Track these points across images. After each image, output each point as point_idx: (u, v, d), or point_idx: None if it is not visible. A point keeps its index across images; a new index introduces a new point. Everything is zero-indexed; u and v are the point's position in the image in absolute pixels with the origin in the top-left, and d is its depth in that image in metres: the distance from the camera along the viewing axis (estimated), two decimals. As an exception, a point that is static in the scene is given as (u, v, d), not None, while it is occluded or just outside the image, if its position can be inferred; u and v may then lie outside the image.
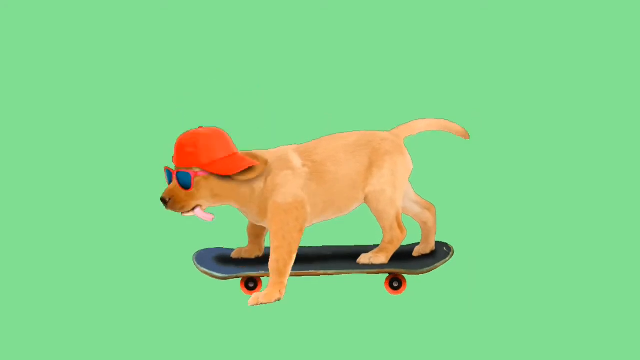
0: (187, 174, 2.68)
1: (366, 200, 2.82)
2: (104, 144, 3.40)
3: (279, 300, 2.73)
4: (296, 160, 2.77)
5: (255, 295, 2.72)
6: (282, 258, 2.73)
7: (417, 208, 2.93)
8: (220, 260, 2.88)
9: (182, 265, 2.98)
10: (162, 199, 2.70)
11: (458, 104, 3.43)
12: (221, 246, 3.01)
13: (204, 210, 2.72)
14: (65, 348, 2.53)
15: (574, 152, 3.41)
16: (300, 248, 2.99)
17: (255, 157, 2.74)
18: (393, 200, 2.82)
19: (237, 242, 2.97)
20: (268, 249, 2.95)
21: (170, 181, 2.72)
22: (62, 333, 2.61)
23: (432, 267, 2.82)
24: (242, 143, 2.84)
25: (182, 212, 2.71)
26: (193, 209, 2.71)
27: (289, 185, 2.74)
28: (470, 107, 3.43)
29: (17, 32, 3.45)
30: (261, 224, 2.81)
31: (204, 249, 2.97)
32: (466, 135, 2.92)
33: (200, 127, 2.74)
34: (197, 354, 2.51)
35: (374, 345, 2.55)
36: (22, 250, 3.14)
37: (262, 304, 2.73)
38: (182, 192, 2.70)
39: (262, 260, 2.89)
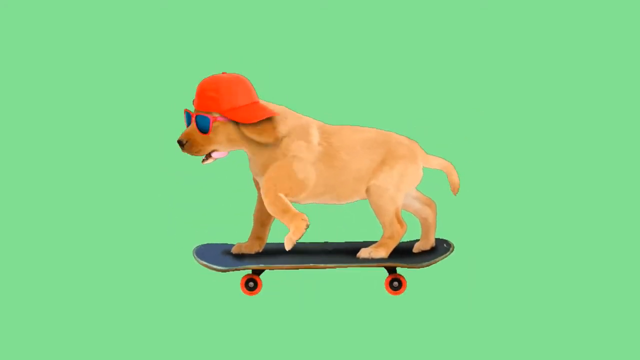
0: (207, 118, 2.68)
1: (367, 192, 2.82)
2: (105, 139, 3.40)
3: (308, 226, 2.68)
4: (315, 136, 2.78)
5: (287, 237, 2.69)
6: (275, 200, 2.70)
7: (417, 204, 2.93)
8: (220, 255, 2.88)
9: (182, 261, 2.98)
10: (179, 142, 2.70)
11: (459, 102, 3.44)
12: (221, 242, 3.01)
13: (220, 152, 2.74)
14: (65, 342, 2.53)
15: (573, 150, 3.41)
16: (302, 244, 2.98)
17: (279, 114, 2.72)
18: (394, 199, 2.82)
19: (238, 238, 2.97)
20: (268, 244, 2.95)
21: (188, 124, 2.72)
22: (63, 326, 2.61)
23: (432, 261, 2.82)
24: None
25: (201, 158, 2.72)
26: (209, 155, 2.72)
27: (307, 163, 2.73)
28: (471, 104, 3.44)
29: (17, 32, 3.47)
30: (258, 177, 2.80)
31: (204, 244, 2.97)
32: (455, 191, 2.92)
33: (223, 72, 2.74)
34: (198, 347, 2.51)
35: (373, 339, 2.55)
36: (24, 242, 3.14)
37: (297, 240, 2.69)
38: (200, 135, 2.70)
39: (262, 255, 2.89)
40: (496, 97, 3.45)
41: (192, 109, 2.74)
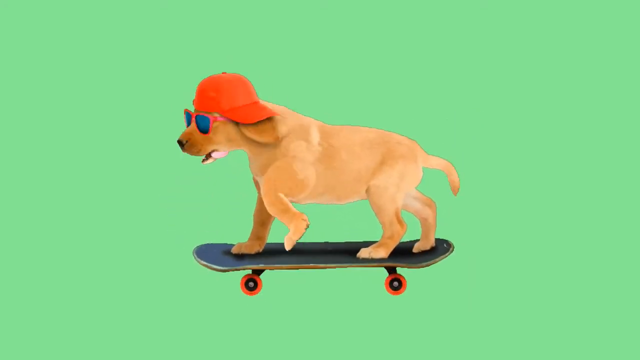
0: (207, 118, 2.68)
1: (368, 192, 2.82)
2: (105, 139, 3.40)
3: (308, 226, 2.69)
4: (315, 136, 2.78)
5: (287, 237, 2.69)
6: (274, 200, 2.70)
7: (417, 204, 2.93)
8: (220, 255, 2.88)
9: (182, 261, 2.98)
10: (179, 142, 2.70)
11: (460, 102, 3.44)
12: (221, 242, 3.01)
13: (220, 152, 2.74)
14: (65, 342, 2.53)
15: (573, 149, 3.41)
16: (302, 244, 2.98)
17: (279, 113, 2.73)
18: (394, 199, 2.82)
19: (238, 238, 2.97)
20: (268, 244, 2.95)
21: (188, 124, 2.72)
22: (62, 326, 2.61)
23: (432, 261, 2.82)
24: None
25: (201, 158, 2.72)
26: (209, 155, 2.72)
27: (307, 163, 2.73)
28: (470, 104, 3.44)
29: (17, 32, 3.47)
30: (258, 177, 2.80)
31: (204, 244, 2.97)
32: (455, 191, 2.93)
33: (223, 72, 2.74)
34: (198, 347, 2.51)
35: (373, 339, 2.55)
36: (24, 242, 3.14)
37: (297, 240, 2.70)
38: (200, 135, 2.70)
39: (263, 255, 2.89)
40: (496, 97, 3.45)
41: (192, 108, 2.74)
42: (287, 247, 2.70)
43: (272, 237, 2.91)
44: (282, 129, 2.74)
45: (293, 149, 2.74)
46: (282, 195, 2.72)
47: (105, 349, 2.49)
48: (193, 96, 2.75)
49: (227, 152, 2.77)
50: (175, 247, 3.07)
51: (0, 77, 3.44)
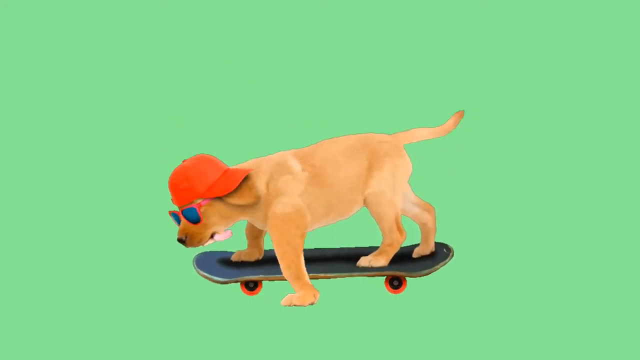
0: (192, 208, 2.69)
1: (366, 202, 2.82)
2: (105, 146, 3.39)
3: (312, 304, 2.72)
4: (295, 165, 2.77)
5: (290, 297, 2.72)
6: (292, 263, 2.73)
7: (416, 209, 2.93)
8: (220, 264, 2.88)
9: (182, 269, 2.98)
10: (180, 240, 2.71)
11: (457, 105, 3.41)
12: (221, 249, 3.01)
13: (221, 233, 2.74)
14: (65, 348, 2.53)
15: (573, 152, 3.40)
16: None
17: (249, 167, 2.74)
18: (393, 203, 2.82)
19: (237, 246, 2.97)
20: (268, 251, 2.95)
21: (179, 222, 2.73)
22: (61, 336, 2.61)
23: (432, 269, 2.83)
24: (239, 146, 2.85)
25: (202, 244, 2.73)
26: (211, 237, 2.73)
27: (288, 195, 2.74)
28: (469, 107, 3.42)
29: (17, 32, 3.45)
30: (265, 229, 2.82)
31: (204, 252, 2.97)
32: (460, 115, 2.91)
33: (183, 161, 2.74)
34: (197, 347, 2.52)
35: (373, 345, 2.55)
36: (22, 255, 3.14)
37: (295, 305, 2.72)
38: (194, 226, 2.71)
39: (262, 263, 2.89)
40: (496, 100, 3.44)
41: (174, 208, 2.74)
42: (283, 304, 2.72)
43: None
44: (261, 180, 2.74)
45: (280, 188, 2.74)
46: (299, 262, 2.73)
47: (105, 349, 2.50)
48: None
49: (230, 232, 2.76)
50: (175, 246, 3.07)
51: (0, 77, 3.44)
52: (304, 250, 2.99)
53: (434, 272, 2.86)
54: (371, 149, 2.82)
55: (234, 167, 2.77)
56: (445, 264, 2.86)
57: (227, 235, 2.75)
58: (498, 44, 3.46)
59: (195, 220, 2.69)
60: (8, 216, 3.27)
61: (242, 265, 2.89)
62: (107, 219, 3.28)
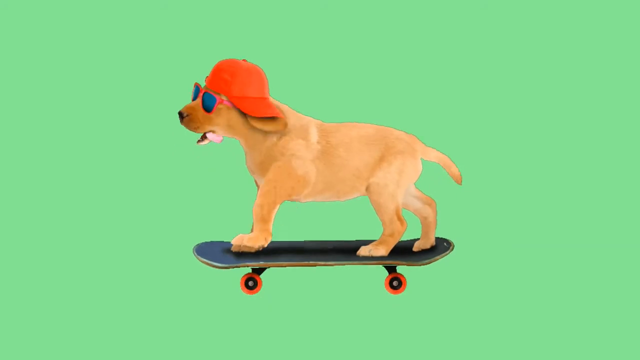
0: (214, 98, 2.69)
1: (368, 190, 2.82)
2: (103, 138, 3.40)
3: (262, 247, 2.76)
4: (313, 135, 2.79)
5: (240, 236, 2.76)
6: (267, 204, 2.74)
7: (417, 203, 2.93)
8: (220, 253, 2.88)
9: (182, 259, 2.98)
10: (180, 113, 2.71)
11: (459, 101, 3.44)
12: (222, 239, 3.01)
13: (217, 135, 2.75)
14: (65, 340, 2.53)
15: (573, 149, 3.42)
16: (301, 242, 2.99)
17: (282, 113, 2.75)
18: (394, 196, 2.83)
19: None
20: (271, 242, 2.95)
21: (194, 98, 2.73)
22: (61, 326, 2.61)
23: (432, 259, 2.82)
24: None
25: (197, 136, 2.73)
26: (205, 135, 2.73)
27: (305, 159, 2.75)
28: (471, 102, 3.45)
29: (17, 32, 3.48)
30: (255, 175, 2.81)
31: (204, 242, 2.97)
32: (459, 181, 2.93)
33: (244, 60, 2.75)
34: (197, 346, 2.50)
35: (373, 337, 2.54)
36: (24, 240, 3.15)
37: (245, 246, 2.76)
38: (202, 112, 2.71)
39: (263, 253, 2.88)
40: (497, 95, 3.46)
41: (203, 83, 2.75)
42: (233, 242, 2.76)
43: (272, 235, 2.91)
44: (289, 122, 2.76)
45: (291, 148, 2.75)
46: (273, 208, 2.75)
47: (104, 347, 2.49)
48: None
49: (222, 139, 2.77)
50: (175, 245, 3.07)
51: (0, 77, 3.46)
52: (304, 241, 3.00)
53: (434, 267, 2.86)
54: (387, 143, 2.83)
55: (274, 102, 2.79)
56: (445, 255, 2.86)
57: (217, 140, 2.75)
58: (500, 42, 3.48)
59: (208, 108, 2.69)
60: (8, 216, 3.27)
61: (242, 254, 2.88)
62: (107, 217, 3.28)
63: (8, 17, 3.47)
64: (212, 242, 2.98)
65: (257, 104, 2.71)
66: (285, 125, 2.74)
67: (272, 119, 2.73)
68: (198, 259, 2.83)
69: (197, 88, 2.73)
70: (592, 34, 3.49)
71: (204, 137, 2.76)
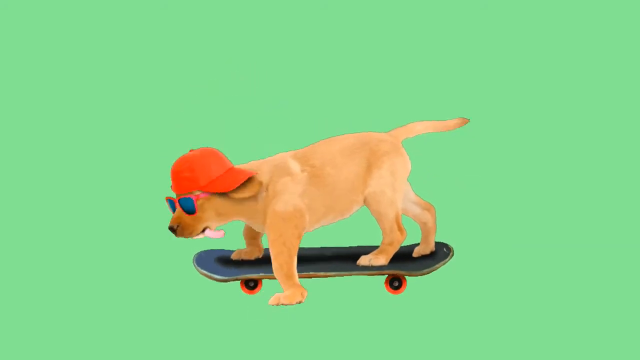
0: (189, 199, 2.68)
1: (366, 202, 2.82)
2: (105, 145, 3.40)
3: (300, 303, 2.72)
4: (294, 166, 2.77)
5: (277, 296, 2.71)
6: (285, 263, 2.73)
7: (416, 209, 2.93)
8: (220, 262, 2.88)
9: (182, 267, 2.98)
10: (171, 228, 2.70)
11: (457, 104, 3.42)
12: (221, 248, 3.01)
13: (213, 229, 2.73)
14: (65, 347, 2.53)
15: (573, 151, 3.41)
16: (301, 249, 2.99)
17: (251, 170, 2.74)
18: (393, 202, 2.82)
19: (237, 244, 2.97)
20: (268, 249, 2.95)
21: (174, 210, 2.72)
22: (60, 331, 2.62)
23: (433, 268, 2.82)
24: (238, 147, 2.85)
25: (192, 236, 2.71)
26: (203, 231, 2.72)
27: (288, 194, 2.73)
28: (468, 106, 3.43)
29: (17, 32, 3.45)
30: (258, 228, 2.81)
31: (204, 251, 2.97)
32: (464, 121, 2.91)
33: (190, 150, 2.74)
34: (197, 346, 2.52)
35: (373, 344, 2.55)
36: (22, 244, 3.15)
37: (282, 304, 2.72)
38: (188, 217, 2.70)
39: (262, 262, 2.89)
40: (495, 99, 3.44)
41: (172, 195, 2.73)
42: (270, 303, 2.71)
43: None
44: (263, 177, 2.74)
45: (280, 190, 2.74)
46: (291, 263, 2.73)
47: (104, 346, 2.50)
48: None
49: (223, 232, 2.75)
50: (175, 245, 3.07)
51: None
52: (303, 248, 3.00)
53: (434, 272, 2.86)
54: (370, 148, 2.82)
55: (239, 166, 2.77)
56: (445, 263, 2.86)
57: (219, 235, 2.73)
58: (498, 43, 3.46)
59: (191, 211, 2.69)
60: (8, 216, 3.27)
61: (242, 264, 2.89)
62: (106, 218, 3.28)
63: (8, 17, 3.44)
64: (211, 251, 2.98)
65: (227, 178, 2.70)
66: (260, 183, 2.71)
67: (248, 181, 2.70)
68: (198, 270, 2.83)
69: (171, 201, 2.72)
70: (591, 34, 3.46)
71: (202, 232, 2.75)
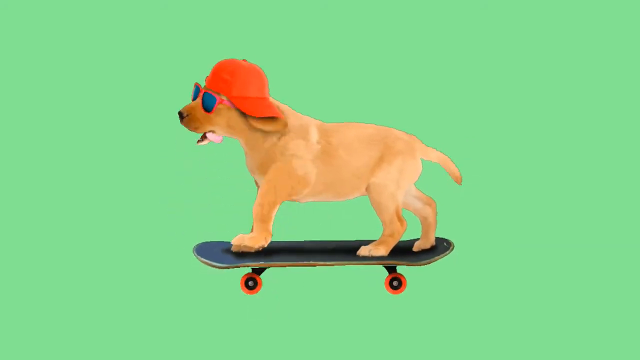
0: (214, 97, 2.69)
1: (368, 190, 2.83)
2: (104, 139, 3.41)
3: (262, 247, 2.76)
4: (314, 135, 2.79)
5: (241, 236, 2.76)
6: (267, 204, 2.74)
7: (417, 203, 2.93)
8: (220, 253, 2.88)
9: (182, 259, 2.98)
10: (180, 113, 2.72)
11: (459, 101, 3.45)
12: (222, 240, 3.01)
13: (216, 134, 2.75)
14: (65, 339, 2.53)
15: (572, 148, 3.42)
16: (302, 242, 2.99)
17: (281, 113, 2.75)
18: (394, 196, 2.83)
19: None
20: (271, 242, 2.95)
21: (194, 97, 2.73)
22: (62, 323, 2.61)
23: (431, 259, 2.82)
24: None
25: (197, 136, 2.72)
26: (204, 135, 2.73)
27: (305, 160, 2.75)
28: (470, 104, 3.45)
29: (17, 32, 3.48)
30: (255, 175, 2.81)
31: (204, 242, 2.97)
32: (459, 181, 2.94)
33: (244, 60, 2.75)
34: (197, 346, 2.51)
35: (373, 337, 2.55)
36: (23, 239, 3.15)
37: (245, 246, 2.76)
38: (202, 112, 2.71)
39: (263, 253, 2.88)
40: (496, 95, 3.46)
41: (203, 83, 2.74)
42: (234, 242, 2.77)
43: (273, 235, 2.91)
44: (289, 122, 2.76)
45: (291, 148, 2.75)
46: (273, 207, 2.75)
47: (104, 347, 2.49)
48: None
49: (222, 139, 2.77)
50: (175, 246, 3.07)
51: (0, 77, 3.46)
52: (305, 241, 3.00)
53: (434, 267, 2.86)
54: (387, 143, 2.84)
55: (274, 101, 2.79)
56: (444, 255, 2.86)
57: (218, 140, 2.75)
58: (500, 43, 3.49)
59: (208, 108, 2.70)
60: (8, 217, 3.28)
61: (242, 255, 2.88)
62: (107, 217, 3.29)
63: (8, 17, 3.47)
64: (212, 242, 2.98)
65: (257, 104, 2.71)
66: (285, 125, 2.75)
67: (272, 119, 2.73)
68: (198, 259, 2.83)
69: (197, 88, 2.73)
70: (591, 34, 3.49)
71: (203, 137, 2.76)
